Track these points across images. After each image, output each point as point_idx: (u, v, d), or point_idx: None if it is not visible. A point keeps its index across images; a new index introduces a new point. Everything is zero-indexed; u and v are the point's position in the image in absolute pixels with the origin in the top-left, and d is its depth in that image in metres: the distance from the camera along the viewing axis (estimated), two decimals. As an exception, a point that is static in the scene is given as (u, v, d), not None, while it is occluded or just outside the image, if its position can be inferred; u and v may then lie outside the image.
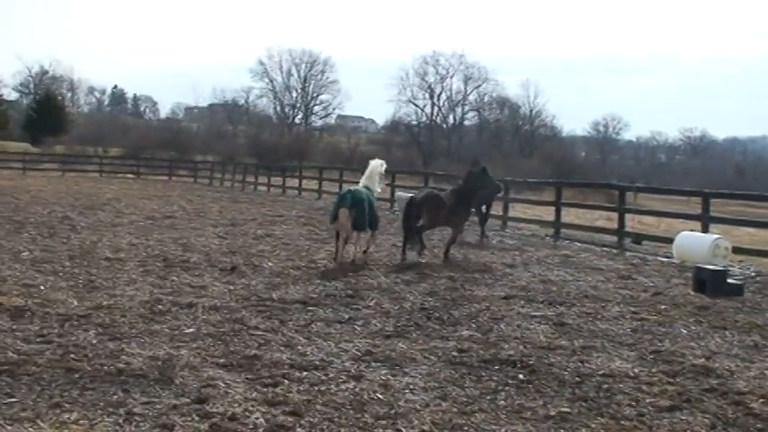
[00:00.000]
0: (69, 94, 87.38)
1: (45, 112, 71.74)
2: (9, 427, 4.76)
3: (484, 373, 6.27)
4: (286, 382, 5.82)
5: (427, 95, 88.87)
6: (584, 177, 55.85)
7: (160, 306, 8.27)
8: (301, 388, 5.69)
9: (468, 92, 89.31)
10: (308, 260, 12.15)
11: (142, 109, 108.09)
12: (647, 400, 5.69)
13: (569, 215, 21.03)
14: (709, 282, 10.35)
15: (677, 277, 11.80)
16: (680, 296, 10.10)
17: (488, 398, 5.67)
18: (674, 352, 7.11)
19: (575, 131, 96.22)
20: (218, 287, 9.57)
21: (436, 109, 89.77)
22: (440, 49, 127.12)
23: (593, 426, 5.18)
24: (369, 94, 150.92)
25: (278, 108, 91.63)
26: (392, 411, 5.28)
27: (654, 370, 6.51)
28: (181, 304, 8.37)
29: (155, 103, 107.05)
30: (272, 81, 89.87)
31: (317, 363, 6.36)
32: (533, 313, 8.64)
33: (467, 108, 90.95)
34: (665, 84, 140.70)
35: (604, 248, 15.77)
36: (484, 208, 17.07)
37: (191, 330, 7.28)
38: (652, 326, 8.21)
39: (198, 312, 8.03)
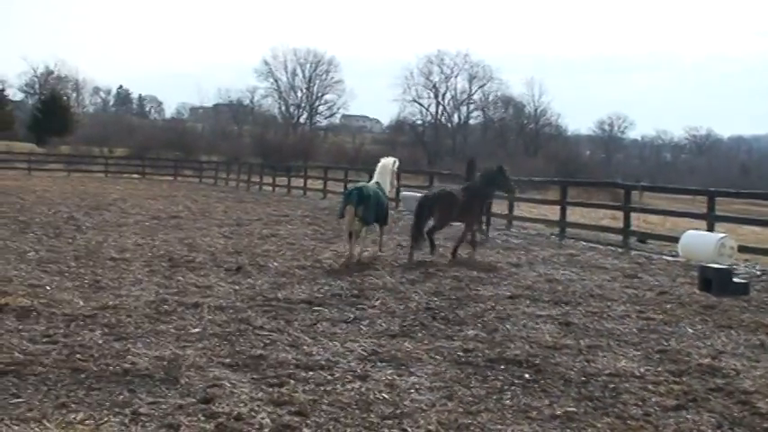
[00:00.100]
0: (74, 95, 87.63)
1: (50, 113, 71.85)
2: (15, 428, 4.77)
3: (490, 373, 6.26)
4: (292, 381, 5.83)
5: (432, 95, 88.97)
6: (589, 176, 55.91)
7: (166, 306, 8.28)
8: (307, 388, 5.70)
9: (473, 91, 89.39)
10: (313, 260, 12.16)
11: (147, 109, 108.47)
12: (654, 400, 5.68)
13: (574, 214, 21.02)
14: (714, 280, 10.32)
15: (683, 276, 11.78)
16: (685, 295, 10.08)
17: (494, 397, 5.67)
18: (680, 351, 7.10)
19: (579, 130, 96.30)
20: (223, 287, 9.58)
21: (441, 108, 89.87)
22: (444, 48, 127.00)
23: (599, 425, 5.17)
24: (373, 93, 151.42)
25: (283, 108, 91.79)
26: (398, 411, 5.28)
27: (660, 369, 6.50)
28: (186, 304, 8.38)
29: (160, 104, 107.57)
30: (276, 81, 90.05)
31: (323, 363, 6.36)
32: (539, 313, 8.63)
33: (471, 107, 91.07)
34: (665, 83, 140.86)
35: (610, 247, 15.75)
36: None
37: (196, 330, 7.29)
38: (658, 325, 8.20)
39: (203, 312, 8.04)
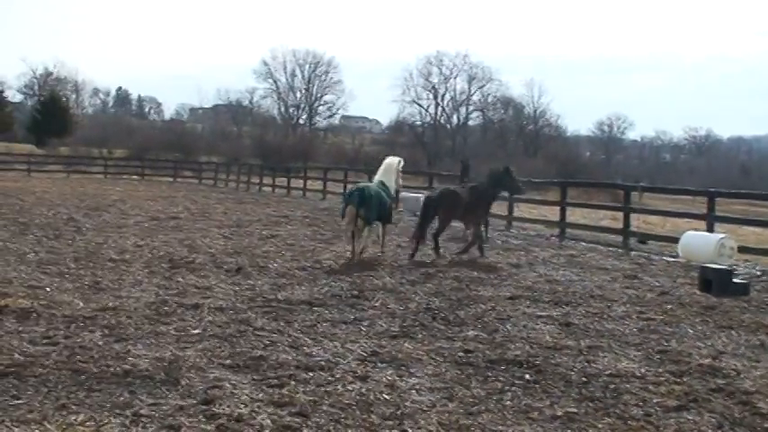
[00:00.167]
0: (74, 96, 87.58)
1: (49, 114, 71.80)
2: (16, 429, 4.77)
3: (490, 374, 6.26)
4: (292, 382, 5.82)
5: (431, 96, 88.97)
6: (589, 177, 55.88)
7: (166, 307, 8.27)
8: (308, 389, 5.69)
9: (472, 92, 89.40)
10: (313, 261, 12.15)
11: (147, 110, 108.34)
12: (654, 400, 5.68)
13: (574, 215, 21.02)
14: (714, 281, 10.33)
15: (683, 277, 11.79)
16: (686, 296, 10.08)
17: (495, 398, 5.66)
18: (681, 352, 7.09)
19: (579, 131, 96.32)
20: (223, 288, 9.57)
21: (440, 109, 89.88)
22: (444, 49, 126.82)
23: (600, 426, 5.17)
24: (373, 94, 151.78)
25: (282, 109, 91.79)
26: (398, 412, 5.27)
27: (660, 370, 6.49)
28: (186, 305, 8.38)
29: (159, 105, 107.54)
30: (276, 82, 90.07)
31: (323, 363, 6.35)
32: (539, 313, 8.63)
33: (471, 108, 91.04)
34: (665, 83, 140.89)
35: (610, 248, 15.75)
36: None
37: (197, 331, 7.28)
38: (658, 325, 8.20)
39: (204, 313, 8.04)
